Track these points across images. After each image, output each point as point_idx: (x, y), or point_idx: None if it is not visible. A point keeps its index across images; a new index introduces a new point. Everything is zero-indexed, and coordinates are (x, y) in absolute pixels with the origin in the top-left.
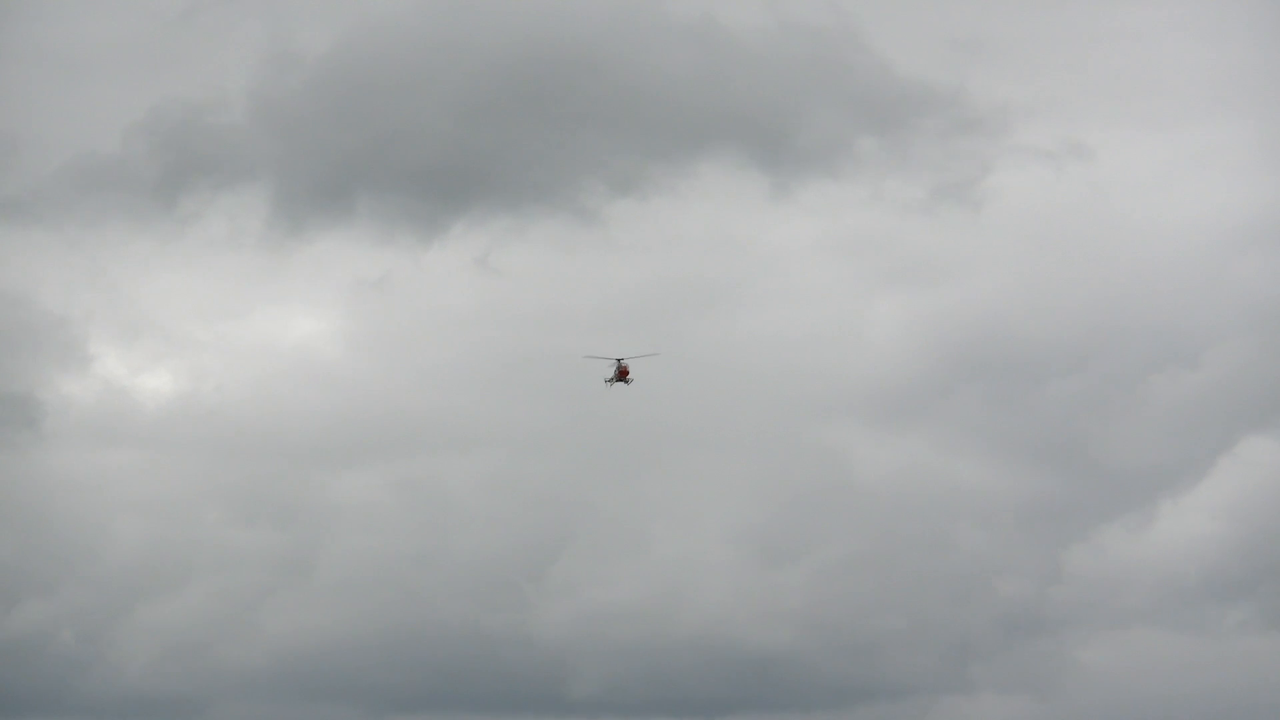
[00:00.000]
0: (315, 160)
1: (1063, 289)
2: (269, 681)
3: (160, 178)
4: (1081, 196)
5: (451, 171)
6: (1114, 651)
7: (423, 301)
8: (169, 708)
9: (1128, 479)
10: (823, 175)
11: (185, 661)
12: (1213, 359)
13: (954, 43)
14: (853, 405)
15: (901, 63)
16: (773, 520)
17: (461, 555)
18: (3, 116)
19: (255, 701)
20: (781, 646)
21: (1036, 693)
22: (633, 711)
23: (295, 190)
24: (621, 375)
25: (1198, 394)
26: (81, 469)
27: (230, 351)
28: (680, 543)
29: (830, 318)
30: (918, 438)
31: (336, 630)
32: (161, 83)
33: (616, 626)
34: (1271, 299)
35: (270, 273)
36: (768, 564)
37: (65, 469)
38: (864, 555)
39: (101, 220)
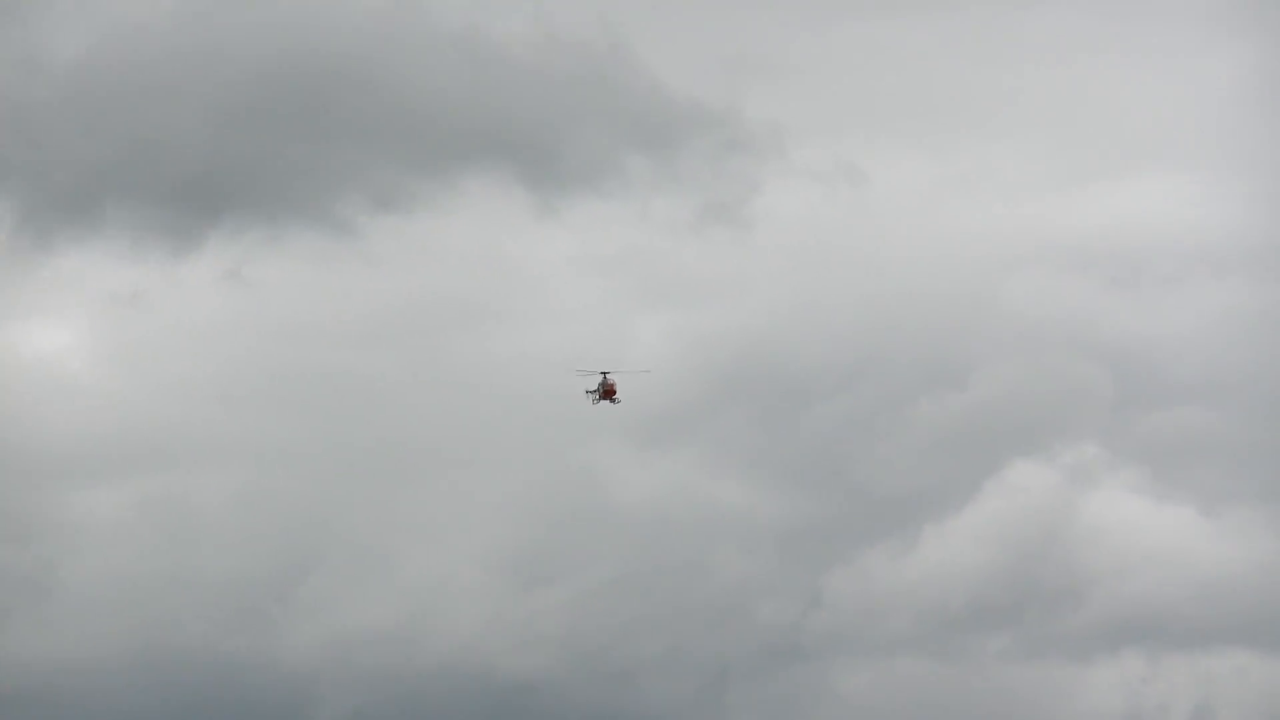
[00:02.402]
0: (63, 170)
1: (831, 310)
2: (4, 707)
3: None
4: (852, 217)
5: (205, 182)
6: (874, 679)
7: (173, 315)
8: None
9: (892, 503)
10: (589, 193)
11: None
12: (980, 381)
13: (726, 61)
14: (614, 426)
15: (672, 80)
16: (529, 543)
17: (207, 575)
18: None
19: None
20: (536, 673)
21: None
22: None
23: (42, 201)
24: (607, 394)
25: (964, 417)
26: None
27: None
28: (433, 565)
29: (594, 337)
30: (680, 459)
31: (76, 653)
32: None
33: (365, 651)
34: (1039, 320)
35: (15, 285)
36: (523, 588)
37: None
38: (622, 579)
39: None
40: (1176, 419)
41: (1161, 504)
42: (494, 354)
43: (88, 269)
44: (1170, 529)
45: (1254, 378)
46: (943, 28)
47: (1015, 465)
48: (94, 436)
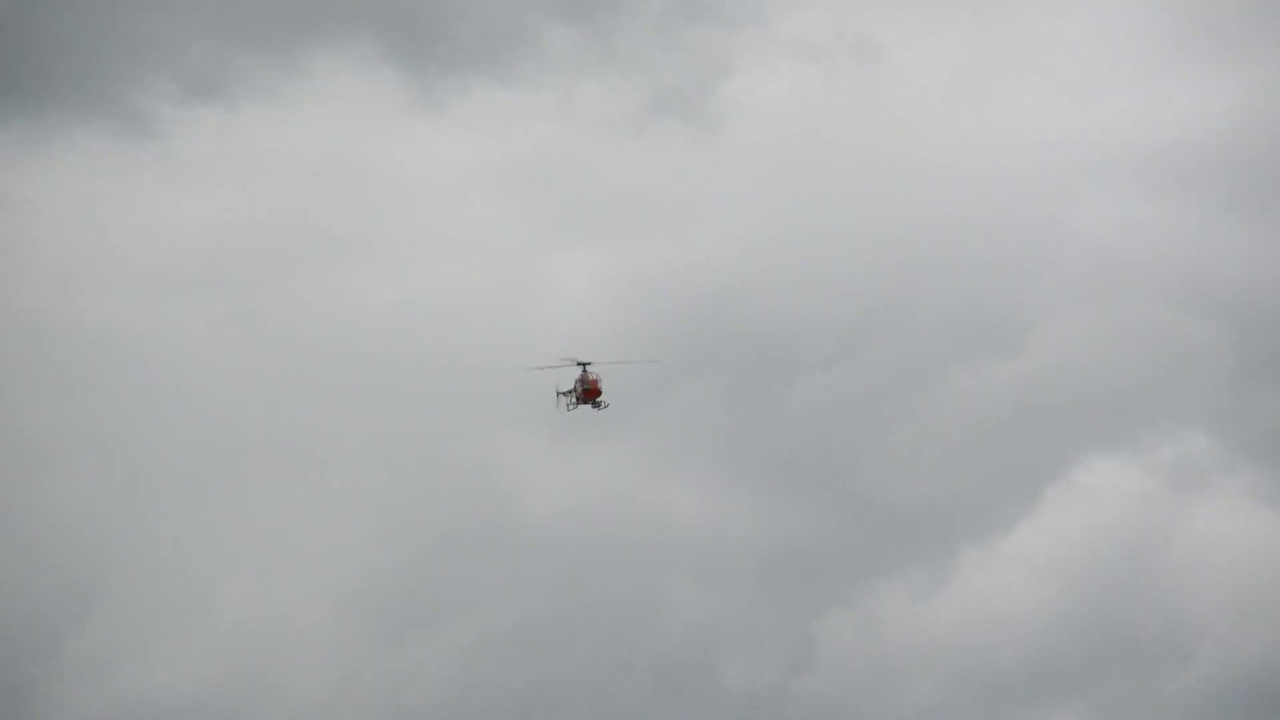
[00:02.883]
0: None
1: (828, 245)
2: None
3: None
4: (859, 113)
5: None
6: None
7: None
8: None
9: (913, 517)
10: (489, 79)
11: None
12: (1039, 345)
13: None
14: (519, 405)
15: None
16: (401, 573)
17: None
18: None
19: None
20: None
21: None
22: None
23: None
24: (588, 395)
25: (1017, 395)
26: None
27: None
28: (263, 605)
29: (495, 280)
30: (616, 456)
31: None
32: None
33: None
34: (1121, 260)
35: None
36: (392, 636)
37: None
38: (534, 625)
39: None
40: None
41: None
42: (352, 303)
43: None
44: None
45: None
46: None
47: (1090, 464)
48: None
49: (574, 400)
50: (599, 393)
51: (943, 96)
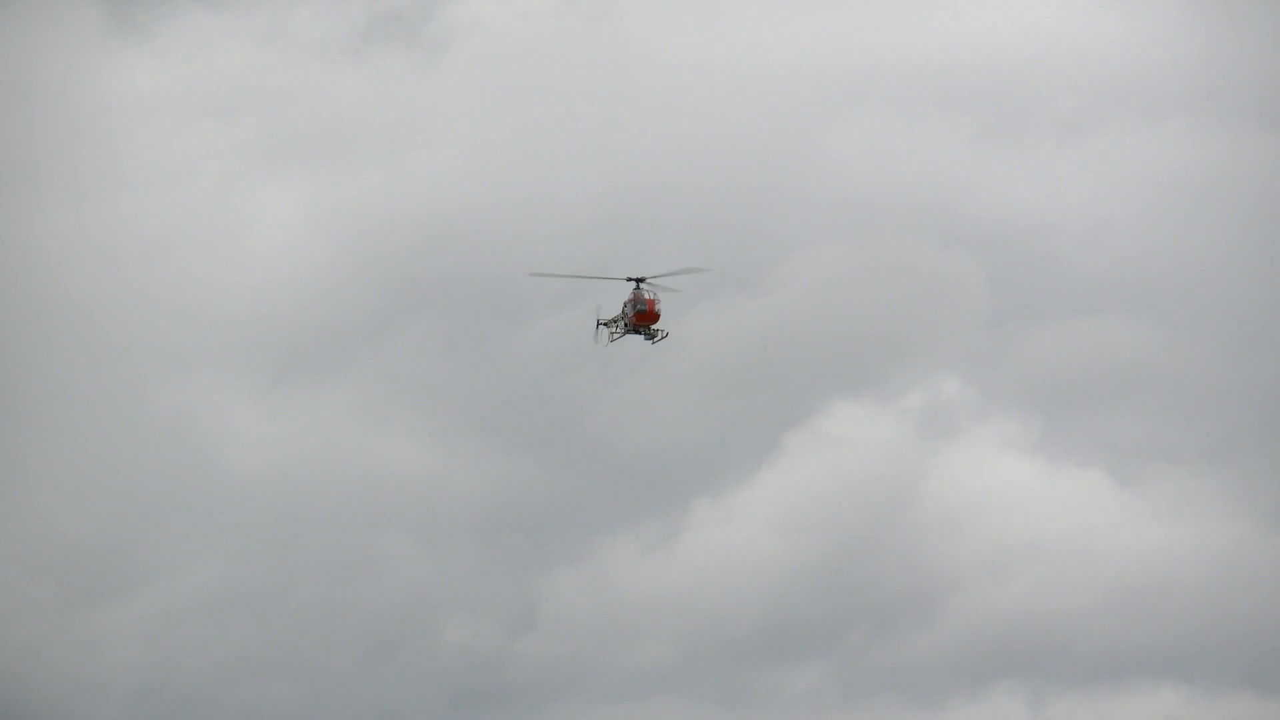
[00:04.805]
0: None
1: (559, 176)
2: None
3: None
4: (593, 32)
5: None
6: None
7: None
8: None
9: (643, 467)
10: (194, 2)
11: None
12: (784, 280)
13: None
14: (223, 351)
15: None
16: (89, 533)
17: None
18: None
19: None
20: None
21: None
22: None
23: None
24: (642, 320)
25: (758, 333)
26: None
27: None
28: None
29: (197, 215)
30: (325, 404)
31: None
32: None
33: None
34: (874, 189)
35: None
36: (81, 601)
37: None
38: (236, 588)
39: None
40: (1080, 336)
41: (1056, 466)
42: (39, 240)
43: None
44: (1068, 504)
45: (1194, 272)
46: None
47: (834, 409)
48: None
49: (620, 328)
50: (656, 317)
51: (682, 19)
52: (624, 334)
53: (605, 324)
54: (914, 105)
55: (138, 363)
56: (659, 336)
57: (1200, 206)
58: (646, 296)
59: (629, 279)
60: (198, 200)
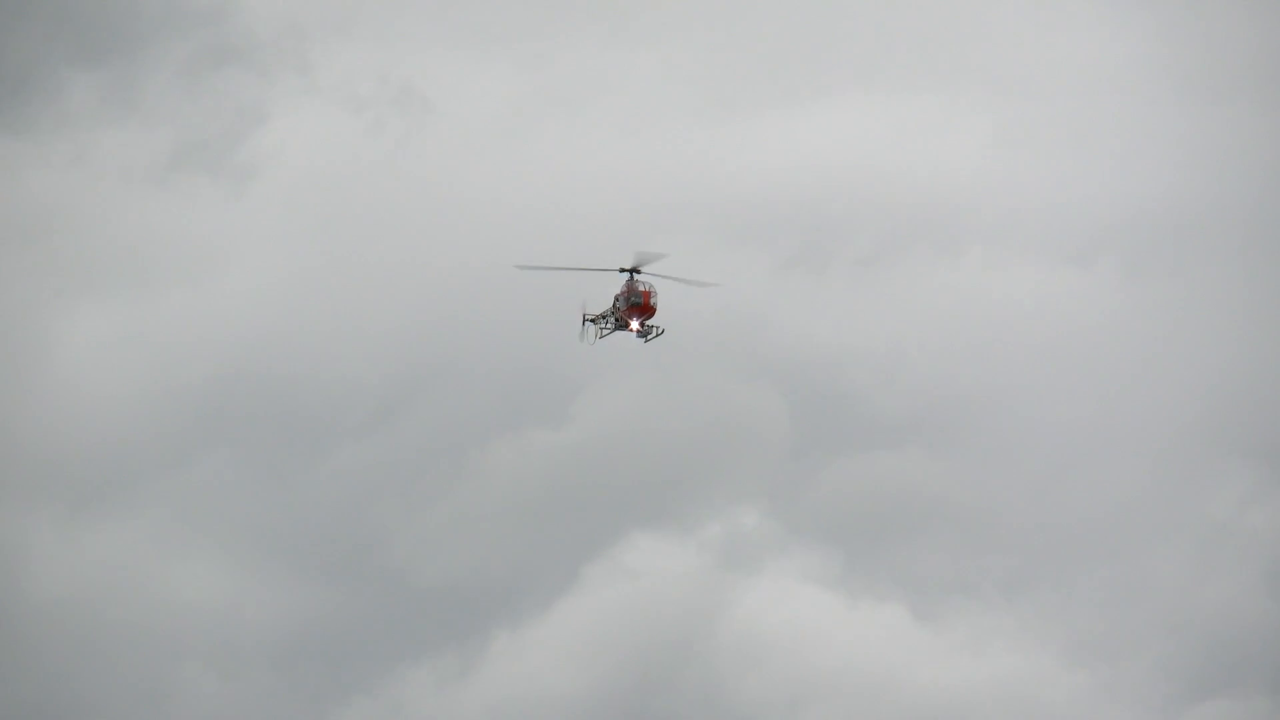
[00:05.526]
0: None
1: (366, 303)
2: None
3: None
4: (404, 161)
5: None
6: None
7: None
8: None
9: (442, 598)
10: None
11: None
12: (587, 410)
13: None
14: (22, 478)
15: None
16: None
17: None
18: None
19: None
20: None
21: None
22: None
23: None
24: (635, 312)
25: (561, 464)
26: None
27: None
28: None
29: None
30: (128, 529)
31: None
32: None
33: None
34: (677, 316)
35: None
36: None
37: None
38: (27, 716)
39: None
40: (879, 469)
41: (856, 600)
42: None
43: None
44: (868, 638)
45: (992, 405)
46: None
47: (634, 541)
48: None
49: (608, 324)
50: (652, 310)
51: (489, 150)
52: (614, 329)
53: (593, 320)
54: (714, 237)
55: None
56: (653, 334)
57: (999, 339)
58: (641, 288)
59: (621, 269)
60: None
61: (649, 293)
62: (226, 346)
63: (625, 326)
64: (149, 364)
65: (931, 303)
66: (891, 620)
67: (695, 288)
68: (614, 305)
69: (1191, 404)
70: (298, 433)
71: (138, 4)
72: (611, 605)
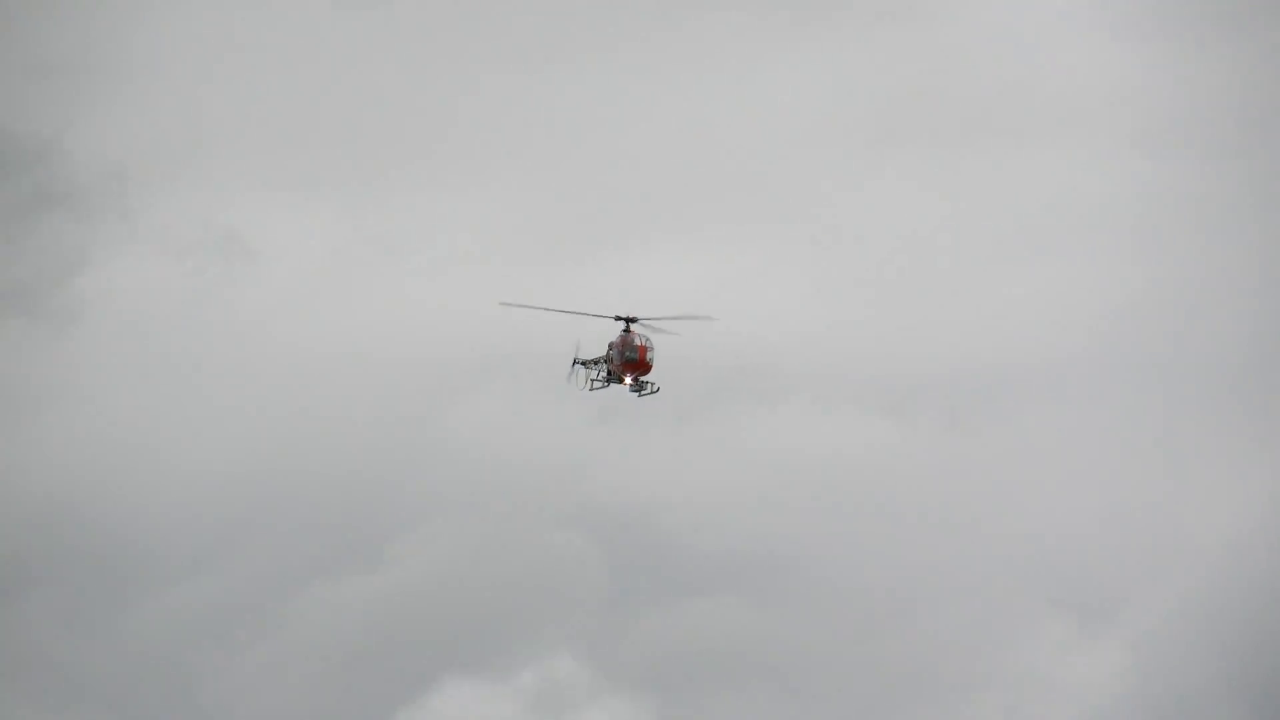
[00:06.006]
0: None
1: (182, 449)
2: None
3: None
4: (228, 307)
5: None
6: None
7: None
8: None
9: None
10: None
11: None
12: (401, 556)
13: (37, 70)
14: None
15: None
16: None
17: None
18: None
19: None
20: None
21: None
22: None
23: None
24: (630, 369)
25: (373, 612)
26: None
27: None
28: None
29: None
30: None
31: None
32: None
33: None
34: (493, 464)
35: None
36: None
37: None
38: None
39: None
40: (695, 617)
41: None
42: None
43: None
44: None
45: (807, 554)
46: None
47: (448, 688)
48: None
49: (601, 375)
50: (648, 366)
51: (315, 290)
52: (607, 384)
53: (584, 364)
54: (533, 385)
55: None
56: (648, 390)
57: (818, 489)
58: (637, 342)
59: (617, 318)
60: None
61: (645, 348)
62: (46, 489)
63: (619, 380)
64: None
65: (751, 452)
66: None
67: (699, 321)
68: (607, 354)
69: (1009, 555)
70: (114, 577)
71: None
72: None
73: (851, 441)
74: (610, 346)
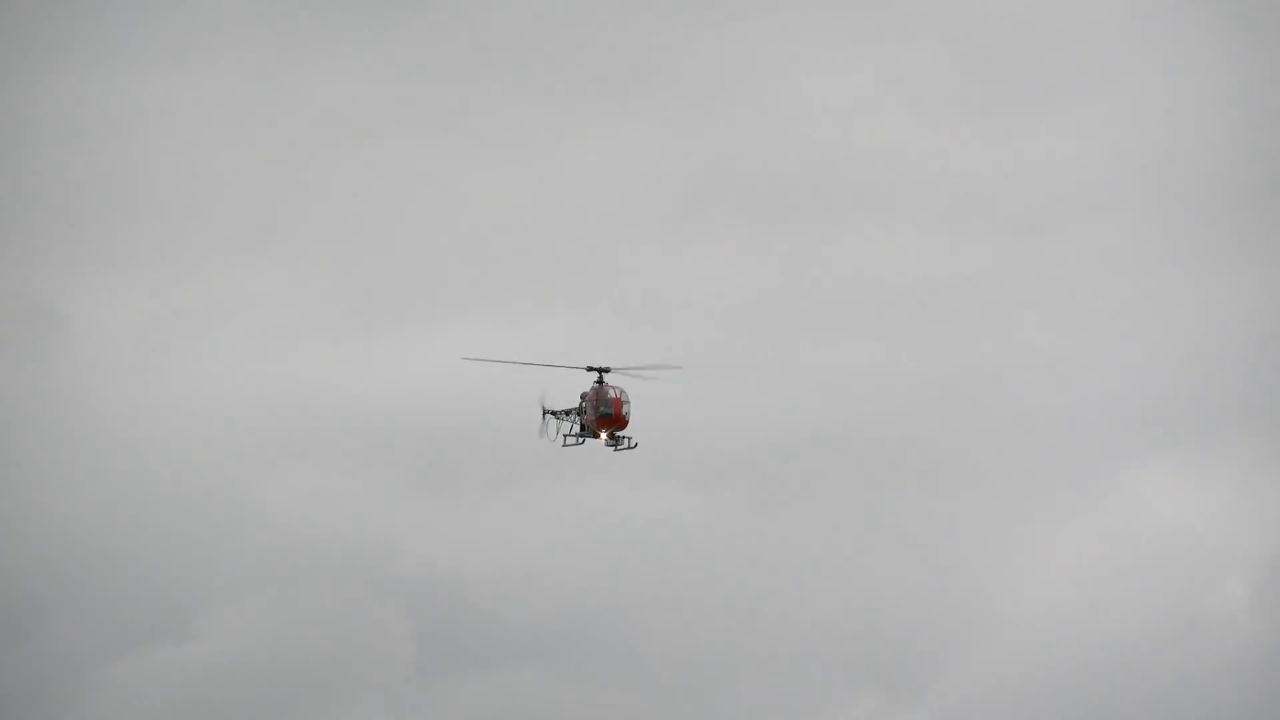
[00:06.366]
0: None
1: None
2: None
3: None
4: (38, 381)
5: None
6: None
7: None
8: None
9: None
10: None
11: None
12: (212, 626)
13: None
14: None
15: None
16: None
17: None
18: None
19: None
20: None
21: None
22: None
23: None
24: (606, 424)
25: (185, 679)
26: None
27: None
28: None
29: None
30: None
31: None
32: None
33: None
34: (308, 536)
35: None
36: None
37: None
38: None
39: None
40: (503, 688)
41: None
42: None
43: None
44: None
45: (614, 625)
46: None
47: None
48: None
49: (572, 425)
50: (624, 422)
51: (127, 362)
52: (580, 436)
53: (555, 414)
54: (344, 457)
55: None
56: (624, 445)
57: (627, 560)
58: (611, 395)
59: (589, 368)
60: None
61: (619, 400)
62: None
63: (594, 435)
64: None
65: (560, 522)
66: None
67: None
68: (580, 407)
69: (816, 628)
70: None
71: None
72: None
73: (660, 513)
74: (583, 398)
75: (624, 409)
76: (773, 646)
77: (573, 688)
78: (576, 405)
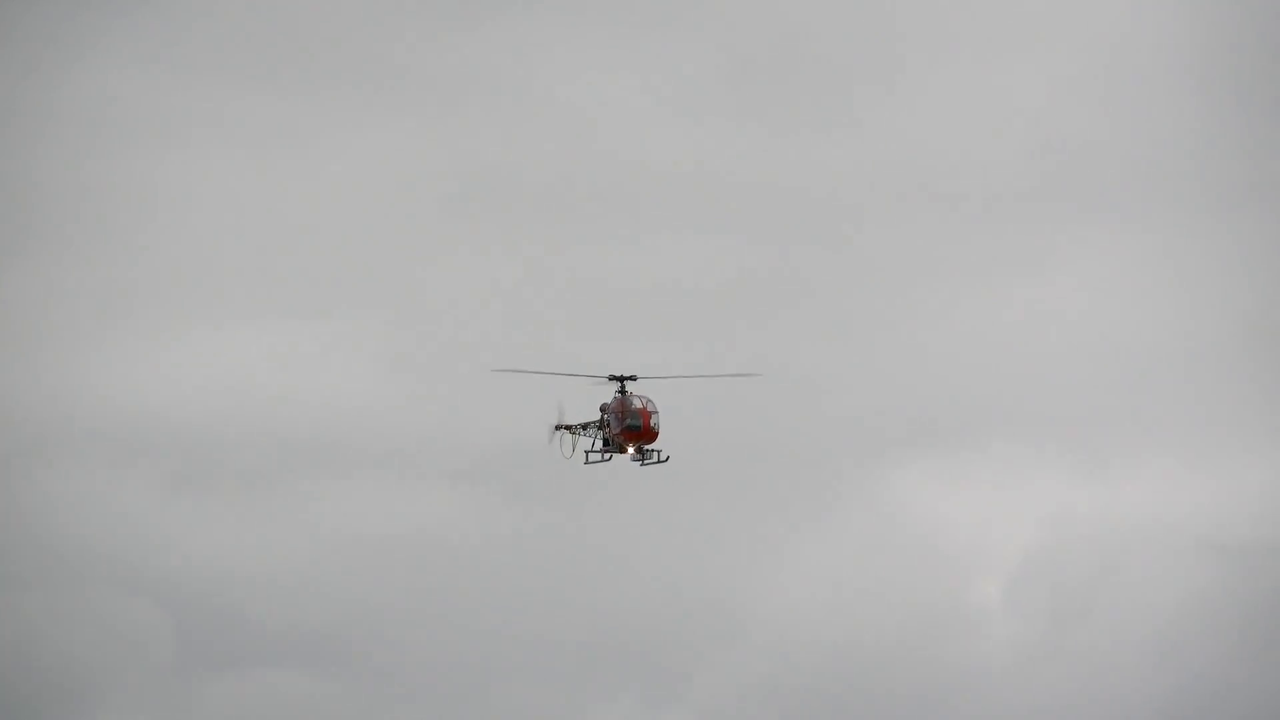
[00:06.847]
0: None
1: None
2: None
3: None
4: None
5: None
6: None
7: None
8: None
9: None
10: None
11: None
12: None
13: None
14: None
15: None
16: None
17: None
18: None
19: None
20: None
21: None
22: None
23: None
24: (631, 437)
25: None
26: None
27: None
28: None
29: None
30: None
31: None
32: None
33: None
34: (65, 531)
35: None
36: None
37: None
38: None
39: None
40: (269, 687)
41: None
42: None
43: None
44: None
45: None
46: None
47: None
48: None
49: (595, 439)
50: (654, 434)
51: None
52: (607, 455)
53: (568, 428)
54: (102, 456)
55: None
56: (652, 459)
57: (389, 560)
58: (636, 406)
59: (611, 377)
60: None
61: (647, 412)
62: None
63: (620, 450)
64: None
65: (320, 525)
66: None
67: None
68: (601, 420)
69: (578, 627)
70: None
71: None
72: None
73: (424, 514)
74: (604, 410)
75: (653, 420)
76: (535, 647)
77: (331, 689)
78: (597, 420)
